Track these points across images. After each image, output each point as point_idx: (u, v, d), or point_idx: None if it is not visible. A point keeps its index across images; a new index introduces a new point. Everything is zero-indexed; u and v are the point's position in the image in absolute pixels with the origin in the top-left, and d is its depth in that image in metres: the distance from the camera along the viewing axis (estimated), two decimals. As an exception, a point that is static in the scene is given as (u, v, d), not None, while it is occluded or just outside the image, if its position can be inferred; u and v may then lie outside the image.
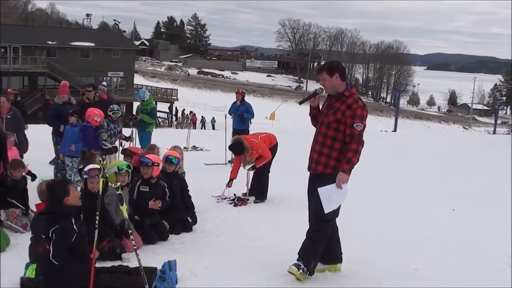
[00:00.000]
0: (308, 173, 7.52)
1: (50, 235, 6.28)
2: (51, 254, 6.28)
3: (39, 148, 12.37)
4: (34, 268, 6.89)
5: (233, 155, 13.42)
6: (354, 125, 6.93)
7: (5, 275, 7.30)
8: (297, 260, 7.27)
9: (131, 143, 14.71)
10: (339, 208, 7.25)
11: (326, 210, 7.05)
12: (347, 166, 6.92)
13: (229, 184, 12.35)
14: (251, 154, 12.08)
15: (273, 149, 12.42)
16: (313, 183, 7.35)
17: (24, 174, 10.28)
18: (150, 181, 9.46)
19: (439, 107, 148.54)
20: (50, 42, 69.10)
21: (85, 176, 8.20)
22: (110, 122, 13.47)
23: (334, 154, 7.10)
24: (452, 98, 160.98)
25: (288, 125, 43.05)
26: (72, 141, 12.28)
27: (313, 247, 7.30)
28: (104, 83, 15.72)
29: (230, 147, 12.61)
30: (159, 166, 9.64)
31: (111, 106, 14.04)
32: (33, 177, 10.66)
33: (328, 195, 7.02)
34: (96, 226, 6.39)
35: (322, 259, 7.55)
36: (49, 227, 6.34)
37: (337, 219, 7.46)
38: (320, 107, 7.58)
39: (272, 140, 12.49)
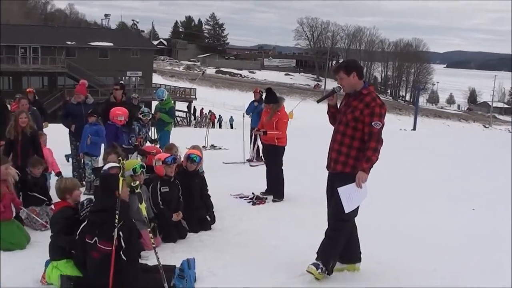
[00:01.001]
0: (327, 172, 7.51)
1: (118, 233, 6.34)
2: (122, 249, 6.34)
3: (57, 147, 12.45)
4: (55, 265, 6.94)
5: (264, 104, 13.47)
6: (373, 123, 6.90)
7: (25, 272, 7.40)
8: (316, 259, 7.26)
9: (155, 144, 14.71)
10: (357, 207, 7.23)
11: (347, 210, 7.03)
12: (366, 165, 6.89)
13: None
14: (277, 121, 12.28)
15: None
16: (332, 182, 7.33)
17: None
18: (170, 181, 9.51)
19: (458, 106, 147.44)
20: (69, 42, 69.51)
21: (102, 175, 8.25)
22: (141, 126, 13.59)
23: (353, 153, 7.08)
24: (472, 96, 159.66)
25: (307, 123, 42.93)
26: (92, 138, 12.34)
27: (332, 246, 7.29)
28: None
29: (268, 90, 12.75)
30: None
31: (142, 108, 14.15)
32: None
33: (348, 195, 7.00)
34: (116, 224, 6.42)
35: (341, 258, 7.53)
36: (110, 224, 6.41)
37: (355, 218, 7.45)
38: (338, 105, 7.56)
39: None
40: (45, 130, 15.17)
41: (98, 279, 6.40)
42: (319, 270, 7.14)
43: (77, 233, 6.91)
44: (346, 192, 7.00)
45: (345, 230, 7.31)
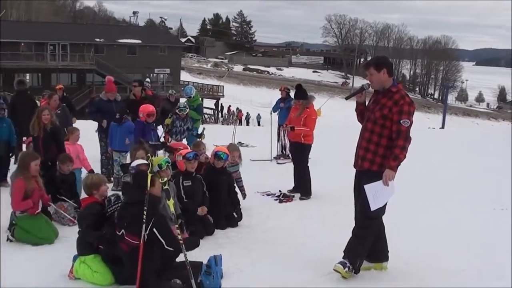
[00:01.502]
0: (354, 169, 7.49)
1: (152, 229, 6.44)
2: (165, 243, 6.43)
3: (86, 143, 12.52)
4: (82, 260, 7.00)
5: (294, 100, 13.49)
6: (401, 121, 6.86)
7: (53, 267, 7.49)
8: (343, 258, 7.24)
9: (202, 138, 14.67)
10: (385, 205, 7.20)
11: (373, 208, 7.01)
12: (394, 163, 6.86)
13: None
14: (305, 118, 12.27)
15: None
16: (359, 180, 7.32)
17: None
18: (192, 175, 9.56)
19: (488, 104, 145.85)
20: (97, 40, 69.95)
21: (133, 172, 8.31)
22: (176, 120, 13.66)
23: (381, 151, 7.05)
24: (502, 94, 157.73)
25: (334, 121, 42.79)
26: (127, 135, 12.39)
27: (359, 245, 7.26)
28: (148, 79, 15.82)
29: (298, 86, 12.76)
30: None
31: (179, 103, 14.21)
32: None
33: (375, 192, 6.97)
34: (144, 220, 6.45)
35: (368, 257, 7.50)
36: (138, 218, 6.51)
37: (383, 217, 7.41)
38: (367, 103, 7.53)
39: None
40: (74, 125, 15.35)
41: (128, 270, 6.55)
42: (346, 269, 7.12)
43: (105, 229, 6.99)
44: (372, 190, 6.98)
45: (373, 229, 7.28)
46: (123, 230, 6.61)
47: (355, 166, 7.42)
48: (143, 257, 6.37)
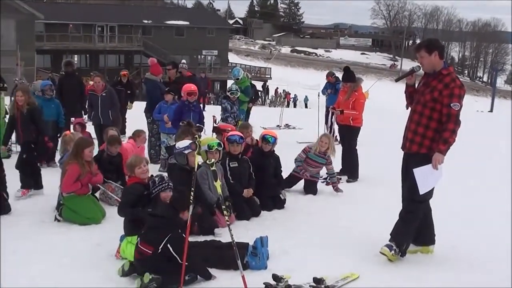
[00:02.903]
0: (402, 152, 7.44)
1: (164, 247, 6.41)
2: (179, 259, 6.33)
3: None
4: (129, 240, 7.08)
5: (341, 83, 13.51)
6: (451, 104, 6.76)
7: (101, 246, 7.64)
8: (389, 240, 7.22)
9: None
10: (432, 189, 7.14)
11: (421, 191, 6.98)
12: (443, 147, 6.78)
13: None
14: (354, 101, 12.30)
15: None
16: (407, 163, 7.28)
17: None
18: (238, 157, 9.61)
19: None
20: (145, 21, 70.38)
21: (186, 151, 8.39)
22: (232, 104, 13.68)
23: (430, 134, 6.98)
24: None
25: (382, 103, 42.40)
26: (169, 117, 12.29)
27: (406, 227, 7.24)
28: (184, 61, 15.86)
29: (345, 69, 12.71)
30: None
31: (230, 86, 14.25)
32: None
33: (424, 176, 6.92)
34: (191, 202, 6.50)
35: (415, 240, 7.47)
36: (155, 230, 6.53)
37: (430, 201, 7.36)
38: (416, 85, 7.45)
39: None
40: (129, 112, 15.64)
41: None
42: (393, 252, 7.11)
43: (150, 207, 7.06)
44: (421, 174, 6.92)
45: (419, 212, 7.25)
46: (139, 239, 6.63)
47: (403, 148, 7.37)
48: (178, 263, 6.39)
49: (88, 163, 8.93)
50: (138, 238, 6.63)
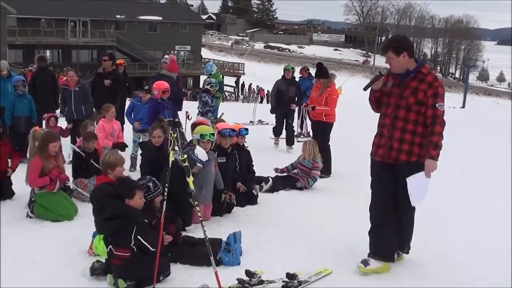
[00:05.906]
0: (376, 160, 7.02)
1: (135, 240, 6.21)
2: (150, 247, 6.23)
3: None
4: (102, 237, 6.90)
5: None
6: (437, 105, 6.40)
7: (74, 242, 7.58)
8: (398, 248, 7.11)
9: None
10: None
11: (414, 202, 6.62)
12: (434, 152, 6.35)
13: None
14: (326, 97, 12.33)
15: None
16: (391, 173, 6.77)
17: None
18: (227, 151, 9.62)
19: (509, 84, 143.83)
20: (118, 16, 70.12)
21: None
22: (212, 98, 13.67)
23: (417, 140, 6.55)
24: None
25: (355, 99, 42.51)
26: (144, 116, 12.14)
27: (409, 227, 7.06)
28: (167, 56, 15.62)
29: (319, 65, 12.71)
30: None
31: (209, 79, 14.21)
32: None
33: (417, 185, 6.46)
34: (165, 197, 6.47)
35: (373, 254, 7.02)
36: (123, 232, 6.26)
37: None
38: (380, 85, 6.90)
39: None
40: None
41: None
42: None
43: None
44: (415, 182, 6.46)
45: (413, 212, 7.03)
46: (110, 246, 6.31)
47: (386, 159, 6.76)
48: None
49: (53, 157, 8.85)
50: (110, 246, 6.31)
